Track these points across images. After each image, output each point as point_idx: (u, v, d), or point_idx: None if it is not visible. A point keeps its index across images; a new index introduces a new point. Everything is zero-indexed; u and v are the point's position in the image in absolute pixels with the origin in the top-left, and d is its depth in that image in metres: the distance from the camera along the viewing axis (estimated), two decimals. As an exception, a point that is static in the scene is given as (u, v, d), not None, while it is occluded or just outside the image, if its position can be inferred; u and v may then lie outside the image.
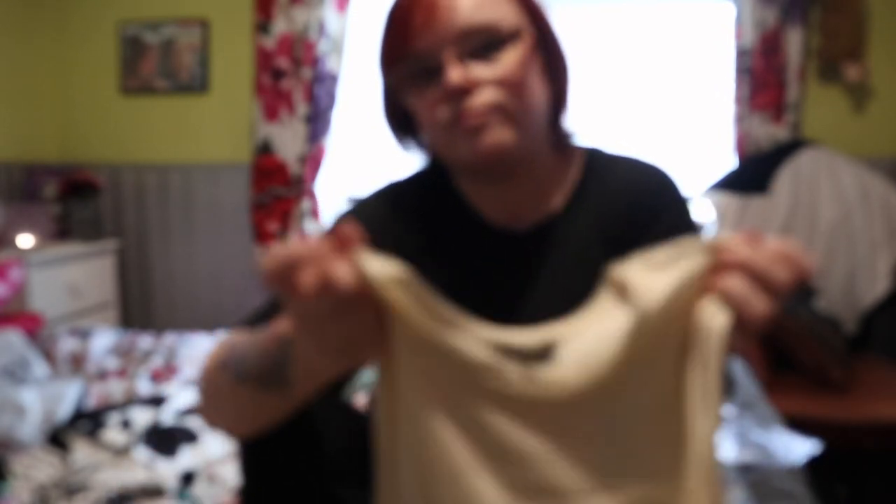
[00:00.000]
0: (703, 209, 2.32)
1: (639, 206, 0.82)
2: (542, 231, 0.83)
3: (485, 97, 0.73)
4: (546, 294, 0.81)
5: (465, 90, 0.73)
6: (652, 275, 0.54)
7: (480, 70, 0.74)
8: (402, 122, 0.84)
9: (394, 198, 0.87)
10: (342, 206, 0.91)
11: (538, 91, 0.77)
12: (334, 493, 0.78)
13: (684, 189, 0.86)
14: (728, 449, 1.21)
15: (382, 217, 0.85)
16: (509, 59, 0.74)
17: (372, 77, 0.85)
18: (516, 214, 0.83)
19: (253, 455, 0.79)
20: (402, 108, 0.82)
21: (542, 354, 0.57)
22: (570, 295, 0.75)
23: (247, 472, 0.80)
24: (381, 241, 0.78)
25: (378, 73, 0.82)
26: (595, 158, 0.86)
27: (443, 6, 0.73)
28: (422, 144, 0.87)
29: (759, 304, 0.52)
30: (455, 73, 0.72)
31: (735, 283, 0.52)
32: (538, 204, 0.83)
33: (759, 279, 0.52)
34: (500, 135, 0.74)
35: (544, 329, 0.58)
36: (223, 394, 0.66)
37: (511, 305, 0.81)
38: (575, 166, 0.86)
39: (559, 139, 0.84)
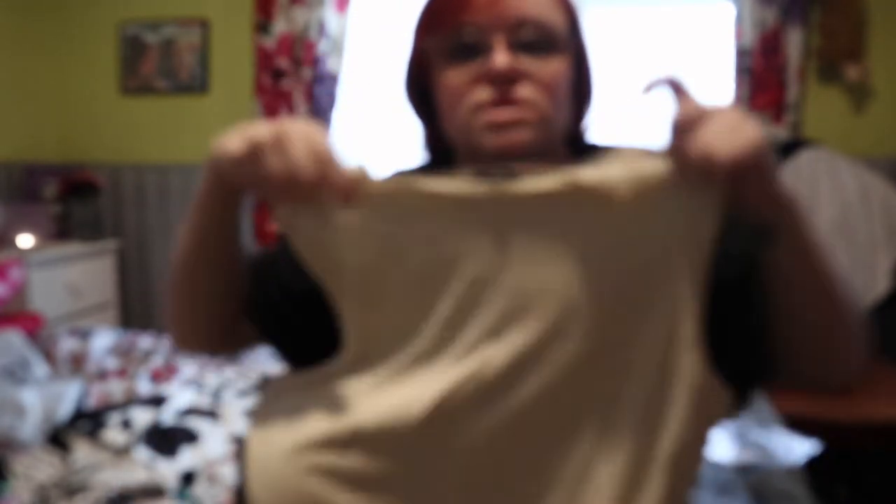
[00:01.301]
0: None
1: None
2: None
3: (526, 92, 0.72)
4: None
5: (508, 78, 0.72)
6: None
7: (527, 63, 0.73)
8: (421, 94, 0.82)
9: None
10: None
11: (565, 104, 0.78)
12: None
13: None
14: (728, 449, 1.21)
15: None
16: (554, 66, 0.74)
17: (402, 43, 0.83)
18: None
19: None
20: (425, 80, 0.80)
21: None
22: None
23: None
24: None
25: (413, 37, 0.80)
26: (592, 152, 0.84)
27: None
28: (430, 123, 0.84)
29: (723, 144, 0.55)
30: (503, 58, 0.71)
31: (695, 138, 0.56)
32: None
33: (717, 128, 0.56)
34: (524, 135, 0.73)
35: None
36: (182, 290, 0.75)
37: None
38: (575, 162, 0.85)
39: (572, 145, 0.84)
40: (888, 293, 2.18)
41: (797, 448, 1.18)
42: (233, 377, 1.80)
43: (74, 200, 2.78)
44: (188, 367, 1.93)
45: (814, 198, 2.23)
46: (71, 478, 1.28)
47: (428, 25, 0.77)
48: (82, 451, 1.38)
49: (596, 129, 0.86)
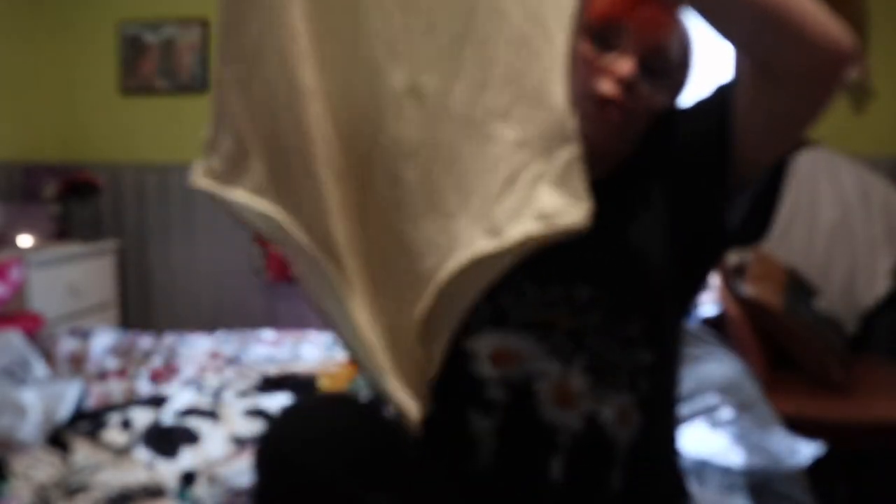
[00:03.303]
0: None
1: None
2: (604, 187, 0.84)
3: (633, 102, 0.80)
4: (616, 243, 0.84)
5: (626, 83, 0.79)
6: None
7: (643, 86, 0.81)
8: None
9: None
10: None
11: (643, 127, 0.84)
12: (355, 495, 0.76)
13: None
14: (728, 451, 1.20)
15: None
16: (662, 97, 0.83)
17: None
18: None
19: (270, 454, 0.78)
20: None
21: None
22: (612, 227, 0.82)
23: (262, 471, 0.79)
24: None
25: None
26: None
27: (664, 22, 0.83)
28: None
29: None
30: (631, 66, 0.79)
31: None
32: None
33: None
34: (609, 127, 0.80)
35: None
36: None
37: (578, 257, 0.82)
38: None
39: None
40: (888, 293, 2.18)
41: (801, 450, 1.18)
42: (233, 377, 1.80)
43: (74, 200, 2.78)
44: (188, 367, 1.93)
45: (814, 198, 2.23)
46: (71, 478, 1.28)
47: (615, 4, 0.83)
48: (82, 452, 1.37)
49: None
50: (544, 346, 0.80)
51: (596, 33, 0.81)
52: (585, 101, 0.79)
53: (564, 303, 0.81)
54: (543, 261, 0.75)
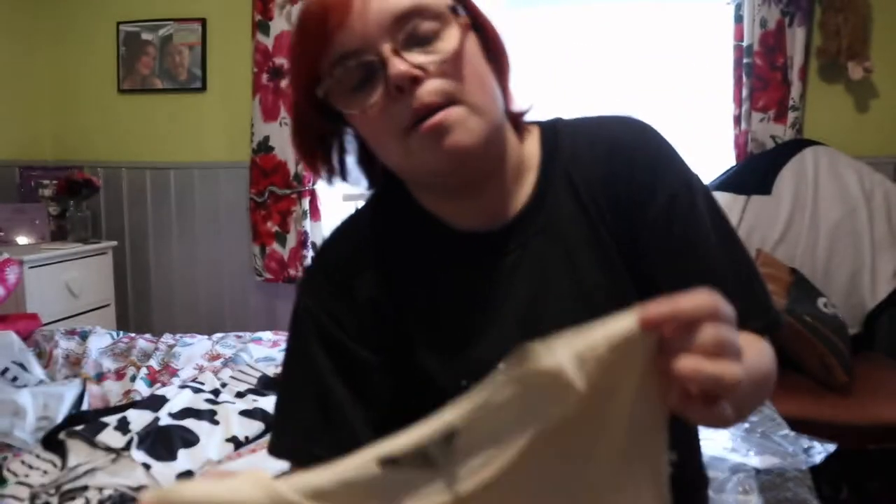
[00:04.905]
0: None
1: (618, 168, 0.73)
2: (520, 226, 0.75)
3: (438, 85, 0.64)
4: (548, 290, 0.75)
5: (414, 80, 0.64)
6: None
7: (424, 58, 0.65)
8: (323, 146, 0.75)
9: (356, 232, 0.80)
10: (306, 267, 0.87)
11: (486, 75, 0.69)
12: None
13: (667, 139, 0.77)
14: (739, 452, 1.19)
15: (349, 257, 0.78)
16: (451, 44, 0.65)
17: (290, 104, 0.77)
18: (489, 216, 0.75)
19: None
20: (324, 132, 0.74)
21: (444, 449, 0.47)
22: (573, 286, 0.73)
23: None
24: (355, 280, 0.75)
25: (296, 97, 0.72)
26: (553, 131, 0.77)
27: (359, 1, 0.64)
28: (363, 168, 0.78)
29: (723, 370, 0.43)
30: (399, 65, 0.63)
31: (685, 362, 0.43)
32: (509, 200, 0.75)
33: (708, 347, 0.43)
34: (464, 133, 0.65)
35: (439, 419, 0.47)
36: None
37: (515, 307, 0.75)
38: (532, 145, 0.77)
39: (515, 123, 0.76)
40: (891, 294, 2.17)
41: (812, 451, 1.17)
42: (231, 379, 1.79)
43: (72, 200, 2.77)
44: (186, 368, 1.92)
45: (816, 198, 2.22)
46: (68, 479, 1.26)
47: (306, 77, 0.68)
48: (79, 453, 1.36)
49: (537, 104, 0.77)
50: None
51: (342, 84, 0.66)
52: (416, 149, 0.66)
53: None
54: (519, 344, 0.71)
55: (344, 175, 0.78)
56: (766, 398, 0.63)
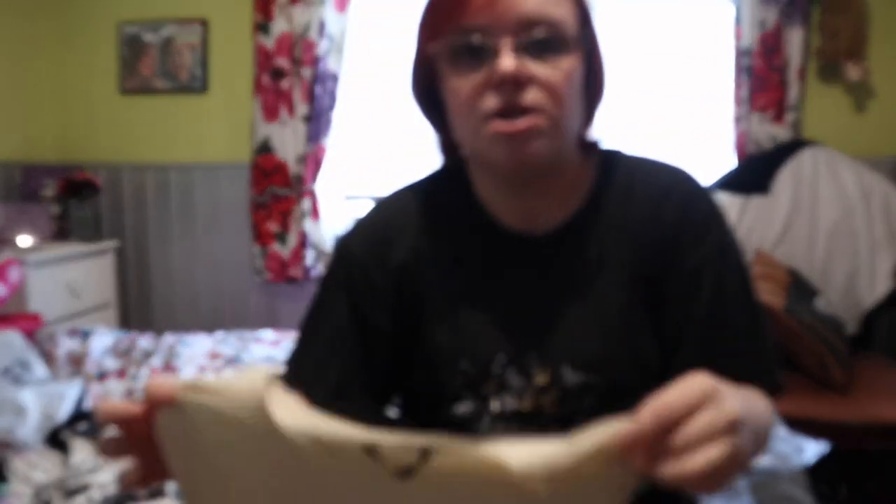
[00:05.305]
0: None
1: (668, 213, 0.76)
2: (558, 236, 0.78)
3: (536, 97, 0.67)
4: (566, 301, 0.77)
5: (515, 82, 0.67)
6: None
7: (535, 67, 0.68)
8: (431, 98, 0.78)
9: (410, 201, 0.83)
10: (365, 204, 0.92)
11: (579, 101, 0.73)
12: None
13: (712, 198, 0.79)
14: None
15: (406, 215, 0.82)
16: (565, 67, 0.69)
17: (404, 43, 0.81)
18: (532, 219, 0.79)
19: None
20: (432, 84, 0.76)
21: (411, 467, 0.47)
22: (591, 303, 0.76)
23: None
24: (392, 245, 0.80)
25: (416, 41, 0.76)
26: (611, 161, 0.81)
27: None
28: (442, 128, 0.80)
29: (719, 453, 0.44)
30: (509, 62, 0.66)
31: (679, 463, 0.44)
32: (554, 210, 0.79)
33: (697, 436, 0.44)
34: (539, 146, 0.69)
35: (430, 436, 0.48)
36: None
37: (530, 311, 0.77)
38: (590, 169, 0.81)
39: (584, 149, 0.80)
40: (889, 293, 2.18)
41: (806, 450, 1.18)
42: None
43: (73, 201, 2.78)
44: (188, 367, 1.93)
45: (814, 198, 2.23)
46: (70, 478, 1.27)
47: (430, 29, 0.72)
48: (82, 452, 1.37)
49: (601, 125, 0.82)
50: (530, 431, 0.73)
51: (455, 54, 0.70)
52: (487, 139, 0.69)
53: (551, 390, 0.76)
54: (524, 347, 0.75)
55: (439, 130, 0.81)
56: (763, 447, 0.63)
